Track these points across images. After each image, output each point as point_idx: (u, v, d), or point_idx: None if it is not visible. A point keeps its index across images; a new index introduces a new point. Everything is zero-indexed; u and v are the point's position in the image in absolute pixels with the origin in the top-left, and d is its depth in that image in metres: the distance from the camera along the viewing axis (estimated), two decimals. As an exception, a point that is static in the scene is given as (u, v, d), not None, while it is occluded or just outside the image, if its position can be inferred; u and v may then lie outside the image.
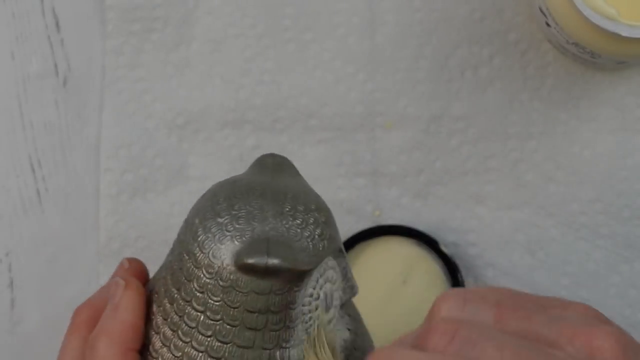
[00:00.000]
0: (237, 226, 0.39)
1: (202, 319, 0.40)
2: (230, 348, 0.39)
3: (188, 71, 0.60)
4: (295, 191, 0.41)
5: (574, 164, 0.59)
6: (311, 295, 0.40)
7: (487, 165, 0.60)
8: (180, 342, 0.40)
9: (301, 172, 0.43)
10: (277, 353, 0.40)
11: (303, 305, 0.40)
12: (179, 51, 0.61)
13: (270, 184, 0.41)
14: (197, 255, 0.39)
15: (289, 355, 0.40)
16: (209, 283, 0.39)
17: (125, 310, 0.42)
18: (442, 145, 0.60)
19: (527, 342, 0.33)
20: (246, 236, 0.39)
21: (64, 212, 0.60)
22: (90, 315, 0.44)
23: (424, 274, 0.57)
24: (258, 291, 0.39)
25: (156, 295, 0.42)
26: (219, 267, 0.39)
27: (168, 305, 0.41)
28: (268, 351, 0.39)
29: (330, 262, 0.40)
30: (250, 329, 0.39)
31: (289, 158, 0.43)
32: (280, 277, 0.39)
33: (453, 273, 0.57)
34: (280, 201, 0.40)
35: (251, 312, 0.39)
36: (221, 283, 0.39)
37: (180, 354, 0.40)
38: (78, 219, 0.60)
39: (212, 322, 0.39)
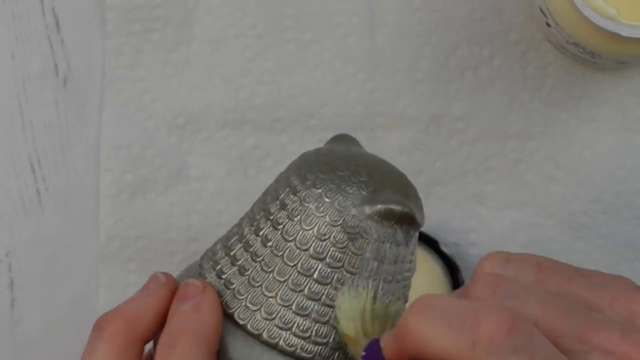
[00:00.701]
0: (360, 179, 0.40)
1: (320, 266, 0.40)
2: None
3: (188, 71, 0.60)
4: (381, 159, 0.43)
5: (574, 164, 0.59)
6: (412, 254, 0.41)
7: (487, 165, 0.60)
8: (290, 291, 0.40)
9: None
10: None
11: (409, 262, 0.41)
12: (179, 51, 0.61)
13: (361, 152, 0.43)
14: (319, 204, 0.40)
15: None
16: (333, 230, 0.39)
17: (208, 311, 0.40)
18: (442, 145, 0.60)
19: (568, 302, 0.33)
20: (370, 187, 0.40)
21: (64, 212, 0.60)
22: (125, 327, 0.42)
23: (424, 274, 0.57)
24: (383, 239, 0.39)
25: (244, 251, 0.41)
26: (345, 214, 0.39)
27: (265, 253, 0.41)
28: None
29: None
30: (369, 277, 0.40)
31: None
32: (404, 228, 0.40)
33: (453, 273, 0.57)
34: (382, 162, 0.42)
35: (374, 259, 0.40)
36: (348, 230, 0.39)
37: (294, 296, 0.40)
38: (78, 219, 0.60)
39: (330, 269, 0.40)
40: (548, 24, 0.56)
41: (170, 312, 0.42)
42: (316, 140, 0.60)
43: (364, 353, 0.38)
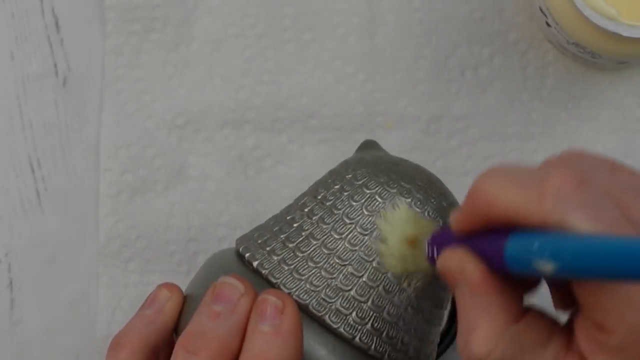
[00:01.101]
0: (437, 191, 0.46)
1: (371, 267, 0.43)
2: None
3: (188, 71, 0.60)
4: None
5: (574, 164, 0.59)
6: None
7: (487, 165, 0.59)
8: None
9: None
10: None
11: None
12: (178, 51, 0.61)
13: (411, 164, 0.47)
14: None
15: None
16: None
17: (290, 334, 0.40)
18: (442, 145, 0.60)
19: (637, 190, 0.34)
20: (446, 201, 0.46)
21: (64, 212, 0.60)
22: (145, 346, 0.42)
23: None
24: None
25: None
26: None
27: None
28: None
29: None
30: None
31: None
32: None
33: (453, 273, 0.57)
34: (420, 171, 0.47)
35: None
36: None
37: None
38: (78, 219, 0.60)
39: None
40: (548, 24, 0.56)
41: (249, 329, 0.40)
42: (316, 140, 0.60)
43: (429, 239, 0.40)
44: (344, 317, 0.41)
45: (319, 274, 0.42)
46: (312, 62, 0.60)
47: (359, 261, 0.42)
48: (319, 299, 0.41)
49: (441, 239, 0.41)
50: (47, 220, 0.60)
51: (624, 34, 0.50)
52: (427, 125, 0.60)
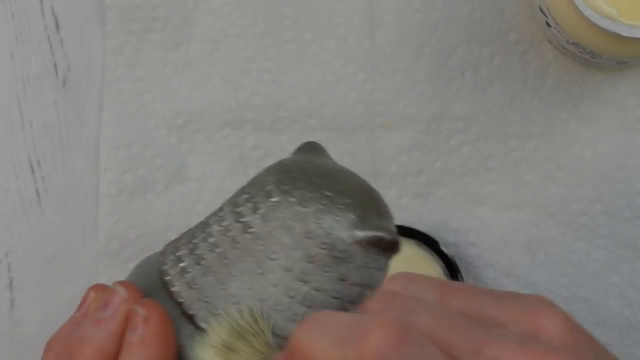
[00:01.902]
0: (347, 200, 0.39)
1: (305, 289, 0.39)
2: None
3: (188, 71, 0.60)
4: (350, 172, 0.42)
5: (574, 164, 0.59)
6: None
7: (487, 165, 0.60)
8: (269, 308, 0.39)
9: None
10: None
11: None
12: (178, 51, 0.61)
13: (338, 167, 0.42)
14: (309, 225, 0.39)
15: None
16: (320, 253, 0.38)
17: (154, 346, 0.40)
18: (442, 145, 0.60)
19: (466, 318, 0.33)
20: (358, 211, 0.39)
21: (64, 212, 0.60)
22: (99, 356, 0.41)
23: (424, 274, 0.57)
24: (366, 265, 0.39)
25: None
26: (335, 238, 0.38)
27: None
28: None
29: None
30: (350, 302, 0.39)
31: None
32: (388, 253, 0.39)
33: (453, 273, 0.57)
34: (358, 179, 0.41)
35: (354, 285, 0.39)
36: (335, 254, 0.38)
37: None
38: (78, 219, 0.60)
39: (315, 292, 0.39)
40: (548, 24, 0.56)
41: (124, 339, 0.41)
42: (316, 140, 0.60)
43: None
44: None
45: (222, 295, 0.40)
46: (312, 62, 0.60)
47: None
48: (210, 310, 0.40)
49: None
50: (47, 220, 0.60)
51: (624, 34, 0.50)
52: (427, 125, 0.60)
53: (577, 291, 0.59)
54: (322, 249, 0.38)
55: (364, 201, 0.40)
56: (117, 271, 0.60)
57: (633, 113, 0.59)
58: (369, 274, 0.39)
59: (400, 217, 0.59)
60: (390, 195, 0.60)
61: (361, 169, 0.59)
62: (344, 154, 0.60)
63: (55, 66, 0.61)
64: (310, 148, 0.43)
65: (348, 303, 0.39)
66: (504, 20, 0.60)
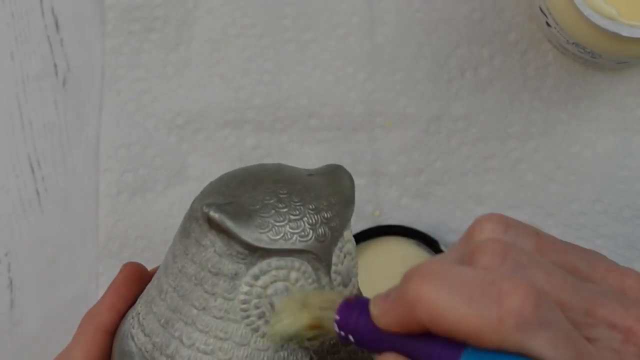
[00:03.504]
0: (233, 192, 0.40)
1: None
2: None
3: (188, 71, 0.60)
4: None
5: (574, 164, 0.59)
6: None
7: (487, 165, 0.60)
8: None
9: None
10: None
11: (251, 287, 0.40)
12: (178, 51, 0.61)
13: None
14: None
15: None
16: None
17: None
18: (442, 145, 0.60)
19: (568, 273, 0.33)
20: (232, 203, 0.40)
21: (64, 212, 0.60)
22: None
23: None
24: (201, 241, 0.40)
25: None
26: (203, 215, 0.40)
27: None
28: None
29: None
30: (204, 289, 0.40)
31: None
32: (234, 240, 0.39)
33: (453, 273, 0.57)
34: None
35: (211, 272, 0.39)
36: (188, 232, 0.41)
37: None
38: (78, 219, 0.60)
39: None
40: (548, 24, 0.56)
41: None
42: (316, 140, 0.60)
43: (337, 317, 0.36)
44: None
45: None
46: (312, 62, 0.60)
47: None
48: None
49: (357, 323, 0.36)
50: (47, 220, 0.60)
51: (624, 34, 0.50)
52: (427, 125, 0.60)
53: (577, 291, 0.59)
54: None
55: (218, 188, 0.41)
56: (117, 271, 0.60)
57: (633, 113, 0.59)
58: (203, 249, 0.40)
59: (400, 217, 0.59)
60: (390, 195, 0.60)
61: (361, 169, 0.59)
62: (344, 154, 0.60)
63: (55, 66, 0.61)
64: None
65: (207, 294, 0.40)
66: (504, 20, 0.60)
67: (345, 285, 0.40)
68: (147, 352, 0.41)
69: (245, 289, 0.39)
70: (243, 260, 0.39)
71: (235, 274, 0.39)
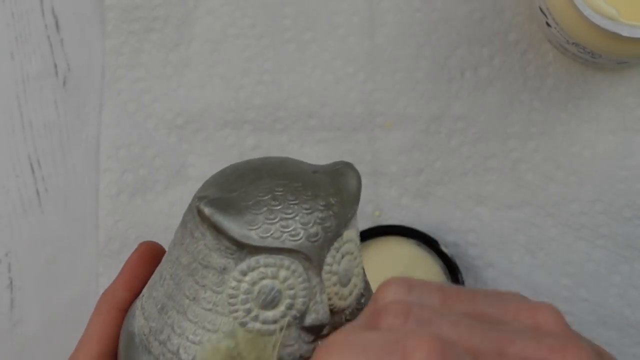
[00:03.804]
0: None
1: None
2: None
3: (188, 71, 0.60)
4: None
5: (574, 164, 0.59)
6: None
7: (487, 165, 0.60)
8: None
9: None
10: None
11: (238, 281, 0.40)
12: (178, 51, 0.61)
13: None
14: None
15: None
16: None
17: None
18: (442, 145, 0.60)
19: (476, 320, 0.33)
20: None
21: (64, 212, 0.60)
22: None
23: (424, 274, 0.57)
24: (194, 233, 0.40)
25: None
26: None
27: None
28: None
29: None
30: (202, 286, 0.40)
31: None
32: (222, 235, 0.39)
33: (453, 273, 0.57)
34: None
35: (201, 264, 0.40)
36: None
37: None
38: (78, 219, 0.60)
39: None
40: (548, 24, 0.56)
41: None
42: (316, 140, 0.60)
43: None
44: None
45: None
46: (312, 62, 0.60)
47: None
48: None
49: None
50: (47, 220, 0.60)
51: (624, 34, 0.50)
52: (427, 125, 0.60)
53: (577, 291, 0.59)
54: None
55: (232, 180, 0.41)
56: (117, 271, 0.59)
57: (633, 113, 0.59)
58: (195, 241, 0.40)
59: (400, 217, 0.59)
60: (390, 195, 0.60)
61: (361, 169, 0.59)
62: (344, 154, 0.60)
63: (55, 66, 0.61)
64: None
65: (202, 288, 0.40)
66: (504, 20, 0.60)
67: (343, 285, 0.40)
68: (144, 335, 0.41)
69: (233, 284, 0.39)
70: (232, 256, 0.39)
71: (224, 269, 0.39)
